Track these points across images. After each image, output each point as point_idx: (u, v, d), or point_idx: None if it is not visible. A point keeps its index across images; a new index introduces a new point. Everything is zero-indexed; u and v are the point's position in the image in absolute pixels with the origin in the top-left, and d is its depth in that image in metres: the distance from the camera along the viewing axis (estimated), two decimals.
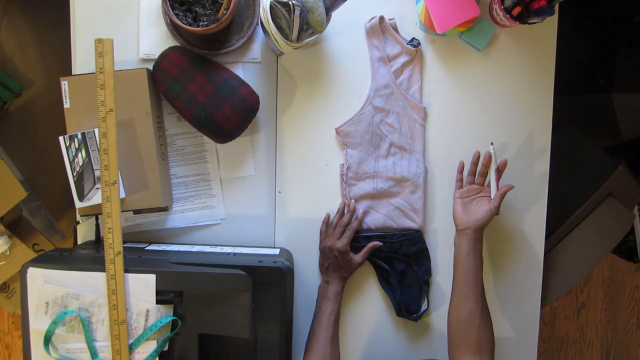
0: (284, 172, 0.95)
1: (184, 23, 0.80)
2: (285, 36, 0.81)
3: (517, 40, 0.96)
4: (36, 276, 0.74)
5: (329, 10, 0.80)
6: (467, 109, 0.97)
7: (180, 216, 0.93)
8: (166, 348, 0.76)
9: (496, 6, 0.90)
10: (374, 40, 0.94)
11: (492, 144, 0.89)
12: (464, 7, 0.88)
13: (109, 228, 0.77)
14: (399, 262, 0.95)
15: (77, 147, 0.81)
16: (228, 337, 0.77)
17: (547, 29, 0.96)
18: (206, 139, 0.92)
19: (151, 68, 0.85)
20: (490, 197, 0.87)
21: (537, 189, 0.98)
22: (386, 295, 0.96)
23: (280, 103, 0.95)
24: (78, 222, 0.91)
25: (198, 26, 0.81)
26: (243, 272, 0.74)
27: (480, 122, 0.97)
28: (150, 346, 0.75)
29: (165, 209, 0.92)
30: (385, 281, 0.96)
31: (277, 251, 0.90)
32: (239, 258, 0.82)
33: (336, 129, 0.94)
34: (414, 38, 0.94)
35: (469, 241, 0.83)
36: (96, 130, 0.80)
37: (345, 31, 0.94)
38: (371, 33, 0.93)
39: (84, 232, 0.93)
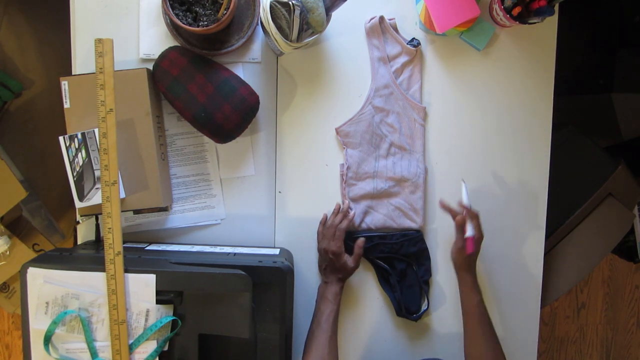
0: (284, 172, 0.95)
1: (184, 23, 0.80)
2: (285, 36, 0.81)
3: (517, 40, 0.96)
4: (36, 276, 0.74)
5: (329, 10, 0.80)
6: (467, 109, 0.97)
7: (180, 216, 0.93)
8: (166, 348, 0.76)
9: (496, 6, 0.90)
10: (374, 40, 0.94)
11: (463, 180, 0.89)
12: (464, 7, 0.88)
13: (109, 228, 0.77)
14: (399, 262, 0.95)
15: (77, 147, 0.81)
16: (228, 337, 0.77)
17: (547, 29, 0.96)
18: (206, 139, 0.92)
19: (151, 68, 0.85)
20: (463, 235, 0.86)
21: (537, 189, 0.98)
22: (386, 295, 0.96)
23: (280, 103, 0.95)
24: (78, 222, 0.91)
25: (198, 26, 0.81)
26: (243, 272, 0.74)
27: (480, 122, 0.97)
28: (150, 346, 0.75)
29: (165, 209, 0.92)
30: (385, 281, 0.96)
31: (277, 251, 0.90)
32: (239, 258, 0.82)
33: (336, 129, 0.94)
34: (414, 38, 0.94)
35: (458, 282, 0.87)
36: (96, 130, 0.80)
37: (345, 31, 0.94)
38: (371, 33, 0.93)
39: (84, 232, 0.93)
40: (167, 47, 0.86)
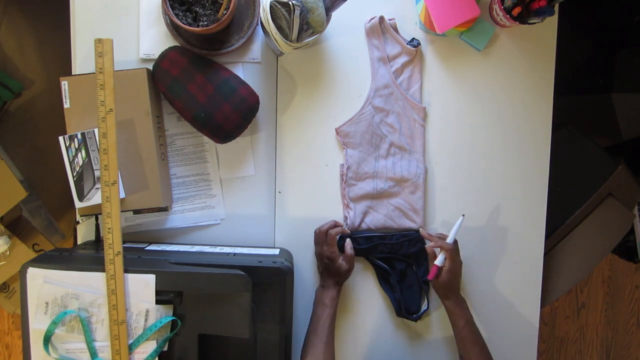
0: (284, 172, 0.95)
1: (184, 23, 0.80)
2: (285, 36, 0.81)
3: (517, 40, 0.96)
4: (36, 276, 0.74)
5: (329, 10, 0.80)
6: (467, 109, 0.97)
7: (180, 216, 0.93)
8: (166, 348, 0.76)
9: (496, 6, 0.90)
10: (374, 40, 0.94)
11: (462, 215, 0.90)
12: (464, 7, 0.88)
13: (109, 228, 0.77)
14: (398, 263, 0.95)
15: (77, 147, 0.81)
16: (228, 337, 0.77)
17: (547, 29, 0.96)
18: (206, 139, 0.92)
19: (151, 68, 0.85)
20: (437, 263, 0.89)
21: (537, 189, 0.98)
22: (386, 295, 0.96)
23: (280, 103, 0.95)
24: (78, 222, 0.91)
25: (198, 26, 0.81)
26: (243, 273, 0.74)
27: (480, 122, 0.97)
28: (149, 346, 0.75)
29: (165, 209, 0.92)
30: (385, 281, 0.96)
31: (276, 251, 0.90)
32: (239, 258, 0.82)
33: (336, 129, 0.94)
34: (414, 38, 0.94)
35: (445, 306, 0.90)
36: (96, 130, 0.80)
37: (345, 31, 0.94)
38: (371, 33, 0.93)
39: (84, 232, 0.93)
40: (167, 47, 0.86)
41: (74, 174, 0.81)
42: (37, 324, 0.74)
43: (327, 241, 0.89)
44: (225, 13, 0.81)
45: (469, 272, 0.98)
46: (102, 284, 0.74)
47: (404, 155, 0.95)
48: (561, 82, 0.99)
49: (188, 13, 0.82)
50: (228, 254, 0.84)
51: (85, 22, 0.89)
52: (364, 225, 0.95)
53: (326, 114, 0.95)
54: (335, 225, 0.91)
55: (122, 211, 0.84)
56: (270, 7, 0.79)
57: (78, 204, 0.82)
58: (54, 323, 0.73)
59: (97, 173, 0.81)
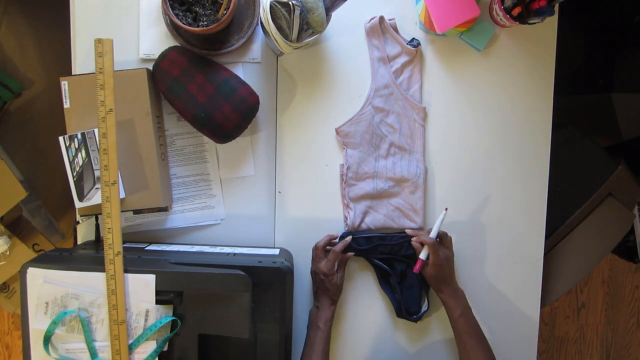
0: (284, 172, 0.95)
1: (184, 23, 0.80)
2: (285, 36, 0.81)
3: (517, 40, 0.96)
4: (36, 276, 0.74)
5: (329, 10, 0.80)
6: (467, 109, 0.97)
7: (180, 216, 0.93)
8: (166, 348, 0.76)
9: (496, 6, 0.90)
10: (374, 40, 0.94)
11: (445, 209, 0.91)
12: (464, 7, 0.88)
13: (109, 228, 0.77)
14: (398, 263, 0.95)
15: (77, 147, 0.81)
16: (228, 337, 0.77)
17: (547, 29, 0.96)
18: (206, 139, 0.92)
19: (151, 68, 0.85)
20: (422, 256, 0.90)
21: (537, 189, 0.98)
22: (386, 296, 0.96)
23: (280, 103, 0.95)
24: (78, 222, 0.91)
25: (198, 26, 0.81)
26: (243, 273, 0.74)
27: (480, 122, 0.97)
28: (149, 346, 0.75)
29: (165, 209, 0.92)
30: (385, 282, 0.96)
31: (276, 251, 0.90)
32: (239, 258, 0.82)
33: (336, 129, 0.94)
34: (414, 38, 0.94)
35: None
36: (96, 130, 0.80)
37: (345, 31, 0.94)
38: (371, 33, 0.93)
39: (84, 232, 0.93)
40: (167, 47, 0.86)
41: (74, 174, 0.81)
42: (37, 324, 0.74)
43: (324, 257, 0.90)
44: (225, 13, 0.81)
45: (468, 272, 0.98)
46: (102, 284, 0.74)
47: (404, 155, 0.95)
48: (561, 82, 0.99)
49: (188, 13, 0.82)
50: (228, 254, 0.84)
51: (85, 22, 0.89)
52: (364, 225, 0.95)
53: (326, 114, 0.95)
54: (331, 239, 0.93)
55: (122, 211, 0.84)
56: (270, 7, 0.79)
57: (78, 204, 0.82)
58: (54, 323, 0.73)
59: (97, 173, 0.81)
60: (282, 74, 0.94)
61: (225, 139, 0.87)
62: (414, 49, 0.93)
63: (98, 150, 0.79)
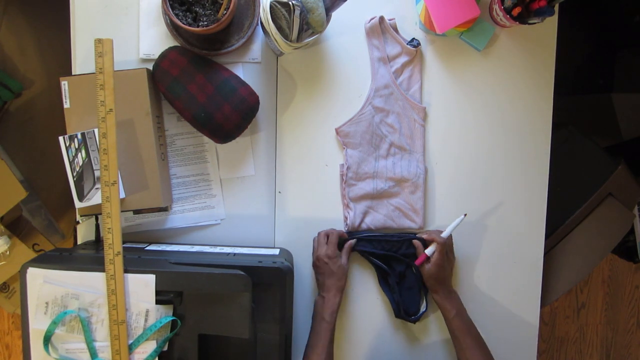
0: (284, 172, 0.95)
1: (184, 23, 0.80)
2: (285, 36, 0.81)
3: (517, 40, 0.96)
4: (36, 276, 0.74)
5: (329, 10, 0.80)
6: (467, 109, 0.97)
7: (180, 216, 0.93)
8: (166, 348, 0.76)
9: (496, 6, 0.90)
10: (374, 40, 0.94)
11: (464, 215, 0.91)
12: (464, 8, 0.88)
13: (109, 228, 0.77)
14: (398, 264, 0.94)
15: (77, 147, 0.81)
16: (228, 337, 0.77)
17: (547, 29, 0.96)
18: (206, 139, 0.92)
19: (151, 68, 0.85)
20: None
21: (537, 189, 0.98)
22: (386, 296, 0.96)
23: (280, 103, 0.95)
24: (78, 222, 0.91)
25: (198, 26, 0.81)
26: (242, 273, 0.74)
27: (480, 122, 0.97)
28: (149, 346, 0.75)
29: (165, 209, 0.92)
30: (384, 282, 0.96)
31: (276, 251, 0.90)
32: (239, 258, 0.82)
33: (336, 129, 0.94)
34: (414, 38, 0.94)
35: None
36: (96, 130, 0.80)
37: (345, 31, 0.94)
38: (371, 33, 0.93)
39: (84, 232, 0.93)
40: (167, 47, 0.86)
41: (74, 174, 0.81)
42: (37, 324, 0.74)
43: (327, 242, 0.90)
44: (225, 13, 0.81)
45: (468, 272, 0.98)
46: (102, 284, 0.74)
47: (404, 155, 0.95)
48: (561, 82, 0.99)
49: (188, 13, 0.82)
50: (228, 254, 0.84)
51: (85, 22, 0.89)
52: (363, 225, 0.95)
53: (326, 114, 0.95)
54: (341, 235, 0.93)
55: (122, 211, 0.84)
56: (270, 7, 0.79)
57: (78, 204, 0.82)
58: (54, 323, 0.73)
59: (97, 173, 0.81)
60: (282, 74, 0.94)
61: (225, 139, 0.87)
62: (414, 49, 0.93)
63: (98, 150, 0.79)
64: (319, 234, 0.92)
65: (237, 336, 0.75)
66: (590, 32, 1.53)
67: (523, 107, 0.97)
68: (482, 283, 0.98)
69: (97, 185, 0.81)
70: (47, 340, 0.73)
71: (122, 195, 0.82)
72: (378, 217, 0.95)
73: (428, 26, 0.92)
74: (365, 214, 0.95)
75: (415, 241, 0.92)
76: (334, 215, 0.96)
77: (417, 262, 0.91)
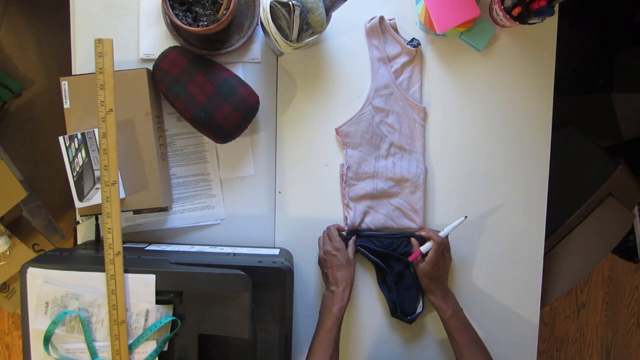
0: (284, 172, 0.95)
1: (184, 23, 0.80)
2: (285, 36, 0.81)
3: (517, 40, 0.96)
4: (36, 276, 0.74)
5: (329, 10, 0.80)
6: (467, 109, 0.97)
7: (180, 216, 0.93)
8: (166, 348, 0.76)
9: (496, 6, 0.90)
10: (374, 40, 0.94)
11: (465, 217, 0.91)
12: (464, 8, 0.88)
13: (109, 228, 0.77)
14: (397, 263, 0.94)
15: (77, 147, 0.81)
16: (228, 337, 0.77)
17: (547, 29, 0.96)
18: (206, 139, 0.92)
19: (151, 68, 0.85)
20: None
21: (537, 189, 0.98)
22: (382, 295, 0.96)
23: (280, 103, 0.95)
24: (78, 222, 0.91)
25: (198, 26, 0.81)
26: (243, 273, 0.74)
27: (480, 122, 0.97)
28: (149, 346, 0.75)
29: (165, 209, 0.92)
30: (383, 281, 0.96)
31: (276, 251, 0.90)
32: (239, 258, 0.82)
33: (336, 129, 0.94)
34: (414, 38, 0.94)
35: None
36: (96, 131, 0.80)
37: (345, 31, 0.94)
38: (371, 33, 0.93)
39: (84, 232, 0.93)
40: (167, 47, 0.86)
41: (74, 174, 0.81)
42: (37, 324, 0.74)
43: (330, 237, 0.90)
44: (225, 13, 0.81)
45: (468, 272, 0.98)
46: (102, 284, 0.74)
47: (404, 155, 0.95)
48: (561, 82, 0.99)
49: (188, 13, 0.82)
50: (228, 254, 0.84)
51: (85, 22, 0.89)
52: (364, 225, 0.95)
53: (326, 114, 0.95)
54: (339, 228, 0.94)
55: (122, 211, 0.84)
56: (270, 7, 0.79)
57: (78, 204, 0.82)
58: (54, 323, 0.73)
59: (97, 173, 0.81)
60: (282, 74, 0.94)
61: (225, 139, 0.87)
62: (414, 49, 0.93)
63: (98, 150, 0.79)
64: (324, 232, 0.93)
65: (237, 336, 0.75)
66: (590, 32, 1.53)
67: (523, 107, 0.97)
68: (482, 283, 0.98)
69: (97, 185, 0.81)
70: (47, 340, 0.73)
71: (122, 195, 0.82)
72: (378, 217, 0.95)
73: (428, 26, 0.92)
74: (365, 213, 0.95)
75: (412, 239, 0.93)
76: (334, 215, 0.96)
77: (410, 258, 0.90)
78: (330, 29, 0.92)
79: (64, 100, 0.82)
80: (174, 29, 0.86)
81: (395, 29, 0.94)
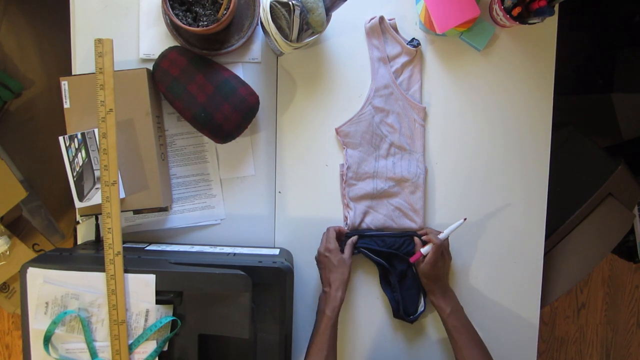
0: (284, 172, 0.95)
1: (184, 23, 0.80)
2: (285, 36, 0.81)
3: (517, 40, 0.96)
4: (36, 276, 0.74)
5: (329, 10, 0.80)
6: (467, 109, 0.97)
7: (180, 216, 0.93)
8: (166, 348, 0.76)
9: (496, 6, 0.90)
10: (374, 40, 0.94)
11: (464, 219, 0.90)
12: (464, 7, 0.88)
13: (109, 228, 0.77)
14: (400, 262, 0.94)
15: (77, 147, 0.81)
16: (228, 337, 0.77)
17: (547, 29, 0.96)
18: (206, 139, 0.92)
19: (151, 68, 0.85)
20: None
21: (537, 189, 0.98)
22: (385, 295, 0.96)
23: (280, 103, 0.95)
24: (78, 222, 0.91)
25: (198, 26, 0.81)
26: (243, 273, 0.74)
27: (480, 122, 0.97)
28: (149, 346, 0.75)
29: (165, 209, 0.92)
30: (385, 281, 0.96)
31: (276, 251, 0.90)
32: (239, 258, 0.82)
33: (336, 129, 0.94)
34: (414, 38, 0.94)
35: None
36: (96, 130, 0.80)
37: (345, 31, 0.94)
38: (371, 33, 0.93)
39: (84, 232, 0.93)
40: (167, 47, 0.86)
41: (74, 174, 0.81)
42: (37, 324, 0.74)
43: (327, 238, 0.90)
44: (225, 13, 0.81)
45: (468, 272, 0.98)
46: (102, 284, 0.74)
47: (404, 155, 0.95)
48: (561, 82, 0.99)
49: (188, 13, 0.82)
50: (228, 254, 0.84)
51: (85, 22, 0.89)
52: (364, 225, 0.95)
53: (326, 114, 0.95)
54: (340, 230, 0.94)
55: (122, 211, 0.84)
56: (270, 7, 0.79)
57: (78, 204, 0.82)
58: (54, 323, 0.73)
59: (97, 173, 0.81)
60: (282, 74, 0.94)
61: (225, 139, 0.87)
62: (414, 49, 0.93)
63: (98, 150, 0.79)
64: (323, 233, 0.93)
65: (237, 336, 0.75)
66: (590, 32, 1.53)
67: (523, 107, 0.97)
68: (482, 283, 0.98)
69: (97, 185, 0.81)
70: (47, 340, 0.73)
71: (122, 195, 0.82)
72: (378, 217, 0.95)
73: (428, 26, 0.92)
74: (365, 213, 0.95)
75: (415, 238, 0.93)
76: (334, 215, 0.96)
77: (411, 260, 0.91)
78: (330, 29, 0.92)
79: (64, 100, 0.82)
80: (174, 29, 0.87)
81: (395, 29, 0.94)
